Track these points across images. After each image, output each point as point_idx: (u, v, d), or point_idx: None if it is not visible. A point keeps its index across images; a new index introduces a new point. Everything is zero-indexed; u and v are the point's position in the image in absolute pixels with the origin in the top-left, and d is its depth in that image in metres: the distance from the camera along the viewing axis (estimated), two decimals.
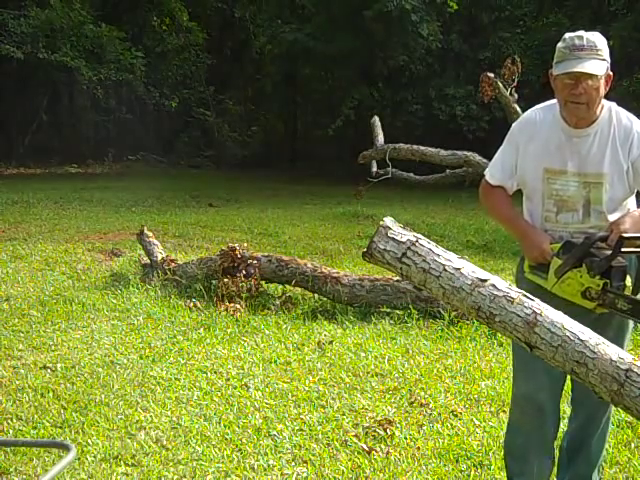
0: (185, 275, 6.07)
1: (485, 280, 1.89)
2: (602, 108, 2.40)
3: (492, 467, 3.00)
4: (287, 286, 5.85)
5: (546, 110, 2.50)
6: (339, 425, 3.43)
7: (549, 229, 2.46)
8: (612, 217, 2.40)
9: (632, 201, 2.50)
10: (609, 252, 2.18)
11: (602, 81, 2.31)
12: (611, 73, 2.35)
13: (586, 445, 2.63)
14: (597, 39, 2.33)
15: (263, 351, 4.56)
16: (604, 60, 2.32)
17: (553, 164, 2.43)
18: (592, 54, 2.29)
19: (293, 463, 3.08)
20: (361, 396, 3.80)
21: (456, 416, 3.53)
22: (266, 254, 6.07)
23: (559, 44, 2.36)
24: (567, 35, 2.36)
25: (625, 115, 2.43)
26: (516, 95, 8.11)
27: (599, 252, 2.22)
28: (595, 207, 2.40)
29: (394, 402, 3.73)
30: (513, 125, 2.59)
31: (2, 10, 18.00)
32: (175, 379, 4.06)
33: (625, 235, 2.17)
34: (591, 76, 2.27)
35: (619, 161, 2.38)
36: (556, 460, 2.71)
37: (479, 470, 3.00)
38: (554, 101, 2.49)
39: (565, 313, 1.92)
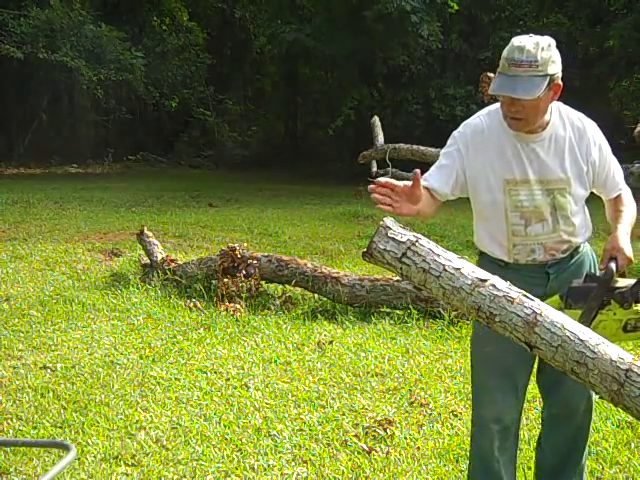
0: (185, 275, 6.07)
1: (485, 280, 1.88)
2: (551, 110, 2.28)
3: None
4: (287, 286, 5.85)
5: (492, 116, 2.34)
6: (339, 425, 3.43)
7: (518, 243, 2.32)
8: (575, 220, 2.33)
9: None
10: (614, 277, 2.13)
11: (546, 95, 2.16)
12: (561, 83, 2.19)
13: (575, 458, 2.53)
14: (539, 52, 2.13)
15: (263, 351, 4.56)
16: (545, 76, 2.13)
17: (514, 174, 2.27)
18: (530, 71, 2.12)
19: (293, 463, 3.08)
20: (361, 396, 3.80)
21: (456, 416, 3.53)
22: (266, 254, 6.07)
23: (506, 48, 2.19)
24: (514, 41, 2.18)
25: (576, 116, 2.34)
26: None
27: (620, 283, 2.13)
28: (561, 213, 2.31)
29: (394, 402, 3.73)
30: (455, 134, 2.38)
31: (2, 10, 18.00)
32: (175, 379, 4.06)
33: None
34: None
35: (578, 163, 2.30)
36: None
37: None
38: (499, 105, 2.33)
39: None
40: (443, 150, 2.40)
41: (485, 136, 2.32)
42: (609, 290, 2.11)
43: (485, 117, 2.36)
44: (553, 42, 2.19)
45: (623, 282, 2.16)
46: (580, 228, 2.36)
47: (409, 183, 2.04)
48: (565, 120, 2.31)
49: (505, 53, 2.18)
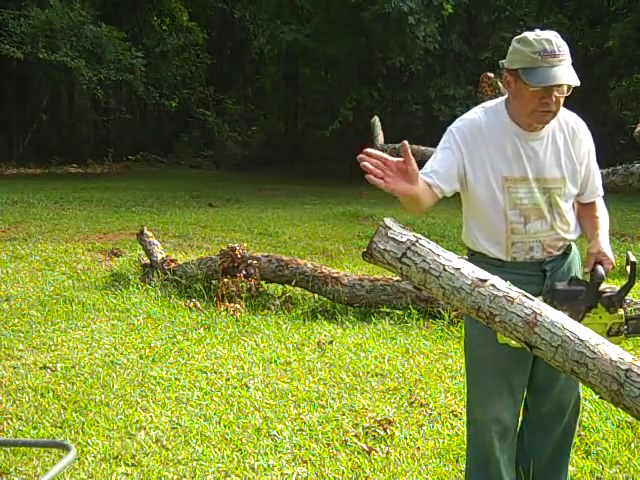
0: (185, 275, 6.07)
1: (485, 280, 1.88)
2: None
3: None
4: (287, 286, 5.85)
5: (489, 112, 2.31)
6: (339, 425, 3.43)
7: (517, 241, 2.30)
8: (569, 217, 2.35)
9: None
10: (594, 283, 2.15)
11: None
12: None
13: (560, 461, 2.55)
14: (561, 40, 2.15)
15: (263, 351, 4.56)
16: (570, 64, 2.15)
17: (513, 172, 2.26)
18: (564, 60, 2.13)
19: (293, 463, 3.08)
20: (361, 396, 3.80)
21: (456, 416, 3.53)
22: (266, 254, 6.07)
23: (520, 46, 2.16)
24: (530, 37, 2.15)
25: (569, 116, 2.35)
26: None
27: (604, 287, 2.16)
28: (557, 210, 2.31)
29: (394, 402, 3.73)
30: (452, 128, 2.33)
31: (2, 10, 18.00)
32: (175, 379, 4.06)
33: (634, 260, 2.15)
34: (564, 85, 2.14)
35: (573, 163, 2.31)
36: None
37: None
38: (495, 102, 2.34)
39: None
40: (440, 145, 2.34)
41: (483, 132, 2.28)
42: (596, 294, 2.14)
43: (482, 113, 2.32)
44: None
45: (606, 286, 2.19)
46: (573, 226, 2.38)
47: (401, 159, 1.97)
48: (560, 119, 2.31)
49: (528, 48, 2.13)
